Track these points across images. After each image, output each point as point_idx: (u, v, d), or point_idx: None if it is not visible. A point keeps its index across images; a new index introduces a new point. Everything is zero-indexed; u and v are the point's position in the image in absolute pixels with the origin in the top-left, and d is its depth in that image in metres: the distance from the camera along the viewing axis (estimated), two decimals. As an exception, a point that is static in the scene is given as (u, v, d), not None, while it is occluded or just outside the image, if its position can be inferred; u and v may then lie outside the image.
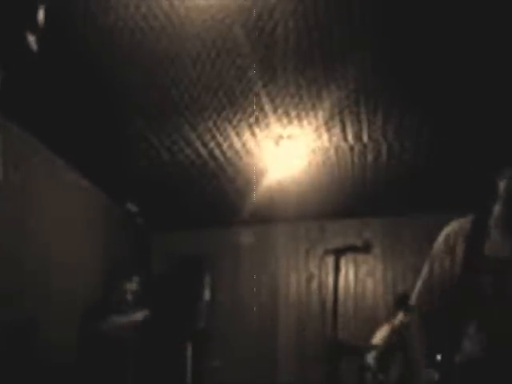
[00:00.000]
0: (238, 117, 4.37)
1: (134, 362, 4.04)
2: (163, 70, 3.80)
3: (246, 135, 4.66)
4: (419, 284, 2.29)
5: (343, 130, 4.55)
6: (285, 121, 4.43)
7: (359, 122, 4.41)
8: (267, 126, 4.50)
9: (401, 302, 4.61)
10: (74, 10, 3.24)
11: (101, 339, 3.72)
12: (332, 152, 4.96)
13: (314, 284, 6.45)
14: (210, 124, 4.49)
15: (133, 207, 3.95)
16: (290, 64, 3.70)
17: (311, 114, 4.31)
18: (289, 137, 4.66)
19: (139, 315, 3.85)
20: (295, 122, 4.44)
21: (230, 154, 4.99)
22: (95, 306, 3.95)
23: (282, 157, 4.87)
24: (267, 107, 4.22)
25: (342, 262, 3.05)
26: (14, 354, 4.03)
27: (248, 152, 4.96)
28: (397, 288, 6.23)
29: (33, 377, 4.07)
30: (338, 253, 3.09)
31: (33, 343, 4.27)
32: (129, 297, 3.97)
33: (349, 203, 6.07)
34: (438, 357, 2.01)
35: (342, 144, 4.80)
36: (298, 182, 5.49)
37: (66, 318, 4.30)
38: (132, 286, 3.99)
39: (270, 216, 6.38)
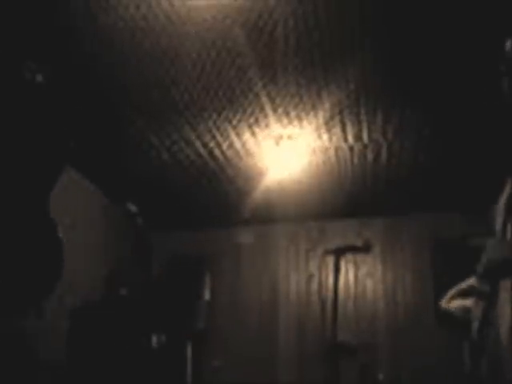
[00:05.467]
0: (238, 117, 4.37)
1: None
2: (163, 70, 3.80)
3: (246, 135, 4.66)
4: None
5: (343, 130, 4.55)
6: (285, 121, 4.44)
7: (359, 122, 4.41)
8: (267, 126, 4.50)
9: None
10: (74, 10, 3.24)
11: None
12: (332, 152, 4.97)
13: (314, 284, 6.45)
14: (210, 124, 4.49)
15: (132, 207, 3.95)
16: (290, 64, 3.70)
17: (311, 113, 4.31)
18: (289, 137, 4.66)
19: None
20: (295, 122, 4.44)
21: (229, 154, 4.99)
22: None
23: (281, 157, 4.87)
24: (267, 107, 4.22)
25: (342, 262, 3.06)
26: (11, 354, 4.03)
27: (248, 152, 4.96)
28: (397, 288, 6.24)
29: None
30: (338, 253, 3.09)
31: (29, 340, 4.27)
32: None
33: (349, 203, 6.07)
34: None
35: (342, 144, 4.80)
36: (298, 182, 5.49)
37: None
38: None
39: (270, 216, 6.38)
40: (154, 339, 3.97)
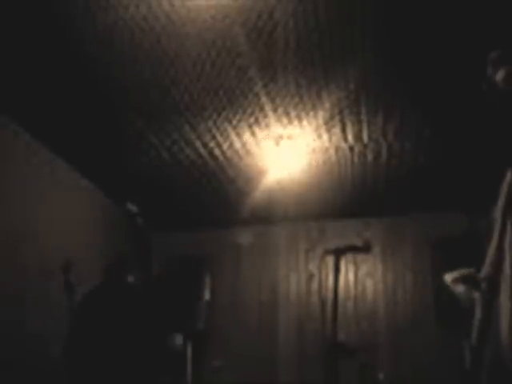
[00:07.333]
0: (238, 117, 4.37)
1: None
2: (163, 70, 3.80)
3: (246, 135, 4.66)
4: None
5: (343, 130, 4.55)
6: (285, 121, 4.43)
7: (359, 122, 4.41)
8: (267, 126, 4.50)
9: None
10: (74, 10, 3.24)
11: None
12: (332, 152, 4.96)
13: (314, 284, 6.45)
14: (210, 124, 4.49)
15: (133, 207, 3.95)
16: (290, 64, 3.70)
17: (311, 113, 4.31)
18: (289, 137, 4.66)
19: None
20: (295, 122, 4.44)
21: (230, 154, 4.99)
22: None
23: (281, 157, 4.87)
24: (267, 107, 4.22)
25: (342, 262, 3.05)
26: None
27: (248, 152, 4.96)
28: (397, 288, 6.24)
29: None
30: (338, 253, 3.08)
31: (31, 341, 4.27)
32: None
33: (349, 203, 6.07)
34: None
35: (342, 144, 4.80)
36: (298, 182, 5.49)
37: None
38: None
39: (269, 216, 6.38)
40: (168, 335, 3.93)
